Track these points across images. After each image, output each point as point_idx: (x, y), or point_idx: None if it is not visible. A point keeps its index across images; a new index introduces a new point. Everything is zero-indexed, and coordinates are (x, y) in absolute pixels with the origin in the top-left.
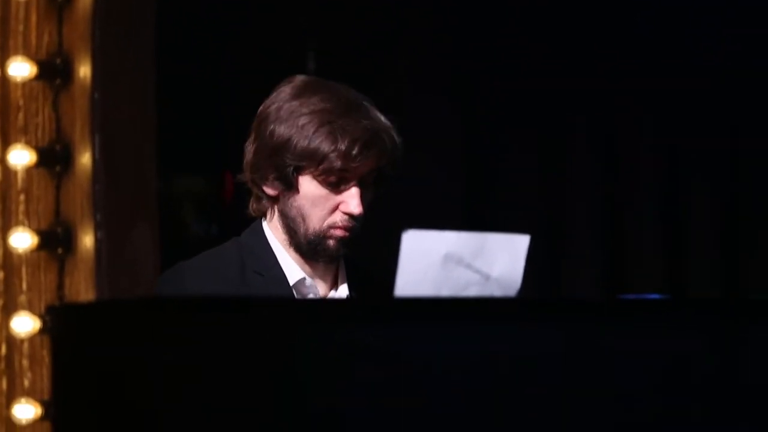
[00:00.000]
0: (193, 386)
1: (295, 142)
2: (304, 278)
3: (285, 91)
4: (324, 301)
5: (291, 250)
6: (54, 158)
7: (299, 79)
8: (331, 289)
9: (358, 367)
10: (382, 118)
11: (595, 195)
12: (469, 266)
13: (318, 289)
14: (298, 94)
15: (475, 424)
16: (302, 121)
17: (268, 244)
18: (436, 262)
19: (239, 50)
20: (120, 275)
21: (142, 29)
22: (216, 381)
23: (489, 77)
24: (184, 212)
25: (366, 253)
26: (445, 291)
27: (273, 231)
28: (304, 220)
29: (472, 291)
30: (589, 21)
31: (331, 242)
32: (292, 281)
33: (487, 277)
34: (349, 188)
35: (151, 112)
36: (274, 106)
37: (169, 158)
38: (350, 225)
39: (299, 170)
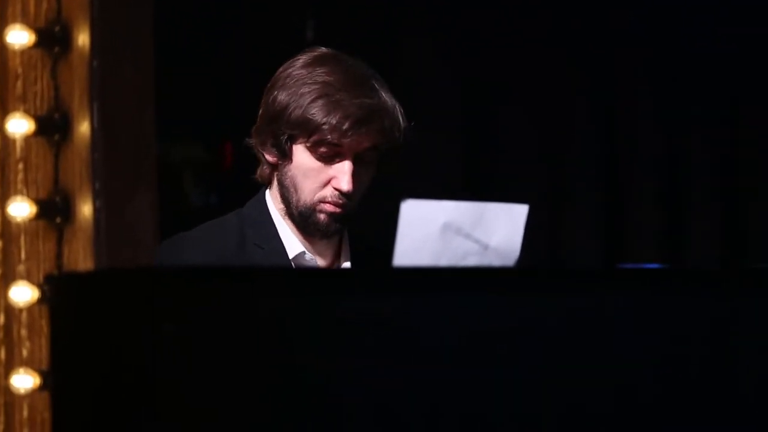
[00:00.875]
0: (192, 357)
1: (291, 110)
2: (304, 252)
3: (300, 59)
4: (321, 271)
5: (288, 220)
6: (52, 127)
7: (318, 50)
8: (332, 265)
9: (356, 338)
10: (388, 98)
11: (595, 164)
12: (467, 236)
13: (317, 263)
14: (310, 63)
15: (472, 394)
16: (303, 90)
17: (270, 215)
18: (435, 231)
19: (239, 18)
20: (119, 244)
21: None
22: (215, 352)
23: (489, 45)
24: (184, 181)
25: (367, 224)
26: (444, 260)
27: (273, 201)
28: (296, 190)
29: (471, 260)
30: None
31: (321, 216)
32: (291, 254)
33: (485, 247)
34: (342, 163)
35: (150, 80)
36: (284, 73)
37: (168, 126)
38: (341, 201)
39: (293, 139)
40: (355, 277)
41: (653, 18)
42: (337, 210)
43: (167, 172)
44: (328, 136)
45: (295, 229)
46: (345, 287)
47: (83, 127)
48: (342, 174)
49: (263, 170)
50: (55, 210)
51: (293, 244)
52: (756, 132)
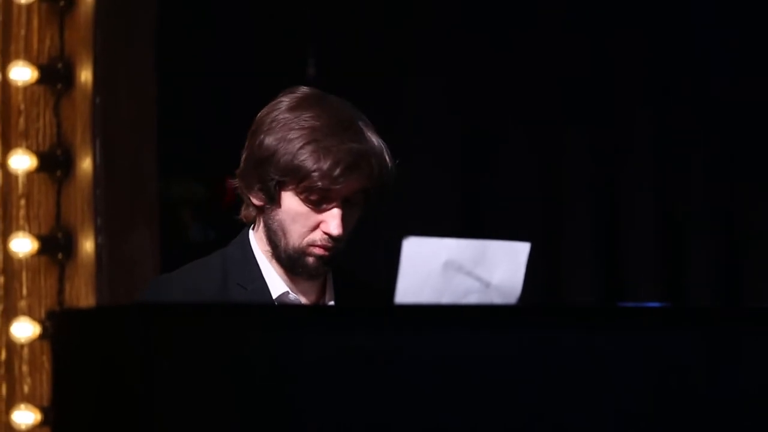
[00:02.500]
0: (192, 391)
1: (279, 156)
2: (288, 292)
3: (284, 102)
4: (323, 307)
5: (274, 262)
6: (55, 163)
7: (301, 90)
8: (317, 302)
9: (357, 373)
10: (375, 139)
11: (593, 202)
12: (469, 273)
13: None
14: (294, 107)
15: (471, 429)
16: (290, 135)
17: (253, 255)
18: (437, 269)
19: (240, 56)
20: (120, 280)
21: (142, 34)
22: (214, 386)
23: (488, 84)
24: (184, 217)
25: (366, 258)
26: (446, 298)
27: (258, 242)
28: (284, 234)
29: (473, 298)
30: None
31: (310, 260)
32: (275, 294)
33: (487, 285)
34: (331, 208)
35: (152, 117)
36: (269, 117)
37: (169, 163)
38: (330, 245)
39: (282, 185)
40: (352, 314)
41: (651, 54)
42: (326, 253)
43: (168, 208)
44: (319, 183)
45: (280, 270)
46: (342, 324)
47: (85, 164)
48: (332, 218)
49: (248, 212)
50: (56, 246)
51: (277, 284)
52: (756, 167)
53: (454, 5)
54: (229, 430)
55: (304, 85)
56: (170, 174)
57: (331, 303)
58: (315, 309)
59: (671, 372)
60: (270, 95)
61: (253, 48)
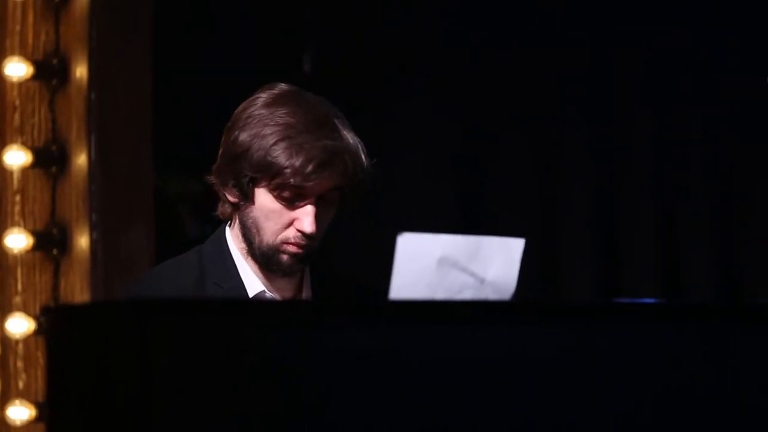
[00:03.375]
0: (187, 388)
1: (253, 152)
2: (264, 291)
3: (260, 98)
4: (320, 304)
5: (250, 259)
6: (50, 159)
7: (279, 87)
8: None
9: (351, 371)
10: (350, 137)
11: (591, 198)
12: (464, 269)
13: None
14: (270, 103)
15: (467, 427)
16: (264, 131)
17: (230, 253)
18: (431, 265)
19: (236, 52)
20: (115, 276)
21: (138, 30)
22: (209, 383)
23: (485, 79)
24: (181, 213)
25: (361, 255)
26: (440, 294)
27: (234, 239)
28: (258, 232)
29: (467, 294)
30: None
31: (283, 257)
32: (251, 293)
33: (482, 281)
34: (304, 206)
35: (148, 112)
36: (245, 113)
37: (165, 159)
38: (304, 242)
39: (255, 181)
40: (348, 309)
41: (650, 52)
42: (300, 251)
43: (164, 204)
44: (291, 180)
45: (255, 268)
46: (336, 321)
47: (80, 159)
48: (305, 216)
49: (224, 208)
50: (51, 242)
51: (253, 282)
52: (756, 164)
53: (452, 3)
54: (225, 427)
55: (301, 83)
56: (166, 170)
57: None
58: (312, 305)
59: (668, 369)
60: None
61: (250, 44)
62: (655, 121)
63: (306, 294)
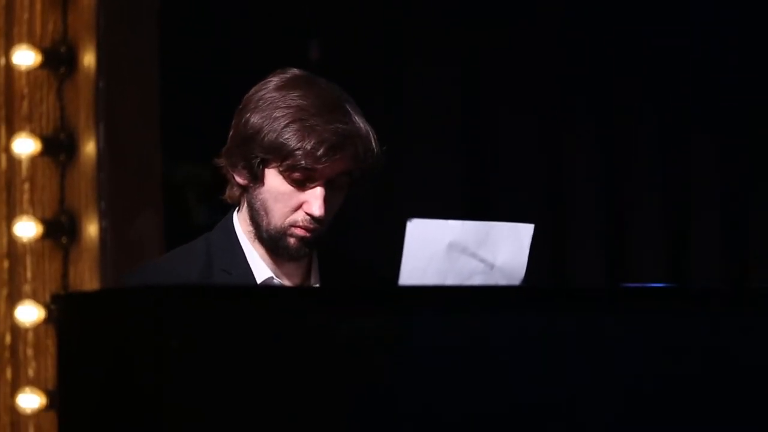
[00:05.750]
0: (198, 374)
1: (264, 134)
2: (272, 277)
3: (272, 81)
4: (330, 290)
5: (257, 244)
6: (58, 147)
7: (290, 72)
8: (302, 285)
9: (360, 356)
10: (361, 122)
11: (598, 183)
12: (473, 255)
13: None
14: (282, 87)
15: (477, 411)
16: (276, 114)
17: (237, 240)
18: (441, 250)
19: (243, 38)
20: (124, 264)
21: (146, 18)
22: (220, 369)
23: (492, 67)
24: (189, 200)
25: (370, 240)
26: (450, 280)
27: (242, 223)
28: (266, 213)
29: (477, 279)
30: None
31: (291, 240)
32: (259, 279)
33: (491, 266)
34: (314, 188)
35: (156, 100)
36: (256, 95)
37: (173, 146)
38: (312, 226)
39: (265, 163)
40: (359, 296)
41: (656, 41)
42: (307, 234)
43: (172, 192)
44: (302, 162)
45: (263, 253)
46: (349, 305)
47: (89, 147)
48: (314, 199)
49: (233, 191)
50: (61, 230)
51: (261, 269)
52: (763, 153)
53: None
54: (237, 414)
55: (307, 69)
56: (174, 157)
57: (316, 284)
58: (321, 291)
59: (676, 353)
60: None
61: (256, 32)
62: (661, 105)
63: (314, 279)
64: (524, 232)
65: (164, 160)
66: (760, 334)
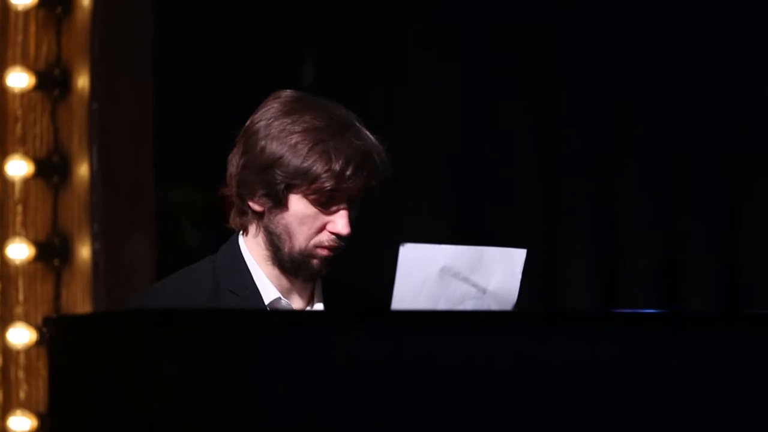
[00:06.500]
0: (189, 398)
1: (287, 160)
2: (280, 298)
3: (273, 106)
4: (321, 313)
5: (269, 266)
6: (52, 169)
7: (287, 94)
8: (306, 306)
9: (353, 380)
10: (372, 137)
11: (591, 208)
12: (466, 279)
13: (293, 308)
14: (289, 110)
15: None
16: (295, 139)
17: (244, 261)
18: (433, 275)
19: (238, 62)
20: (117, 286)
21: (140, 40)
22: (211, 392)
23: (488, 91)
24: (181, 223)
25: (363, 257)
26: (442, 304)
27: (250, 247)
28: (290, 237)
29: (469, 304)
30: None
31: (315, 261)
32: (267, 300)
33: (483, 291)
34: (339, 208)
35: (149, 123)
36: (262, 122)
37: (166, 169)
38: (336, 245)
39: (290, 188)
40: (351, 319)
41: (653, 56)
42: (331, 254)
43: (165, 215)
44: (329, 183)
45: (272, 274)
46: (341, 328)
47: (82, 170)
48: (340, 218)
49: (245, 219)
50: (53, 252)
51: (269, 289)
52: (757, 172)
53: (451, 13)
54: None
55: (303, 91)
56: (168, 180)
57: (319, 305)
58: (312, 314)
59: (669, 378)
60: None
61: (250, 54)
62: (656, 130)
63: (317, 299)
64: (517, 257)
65: (157, 183)
66: (754, 357)
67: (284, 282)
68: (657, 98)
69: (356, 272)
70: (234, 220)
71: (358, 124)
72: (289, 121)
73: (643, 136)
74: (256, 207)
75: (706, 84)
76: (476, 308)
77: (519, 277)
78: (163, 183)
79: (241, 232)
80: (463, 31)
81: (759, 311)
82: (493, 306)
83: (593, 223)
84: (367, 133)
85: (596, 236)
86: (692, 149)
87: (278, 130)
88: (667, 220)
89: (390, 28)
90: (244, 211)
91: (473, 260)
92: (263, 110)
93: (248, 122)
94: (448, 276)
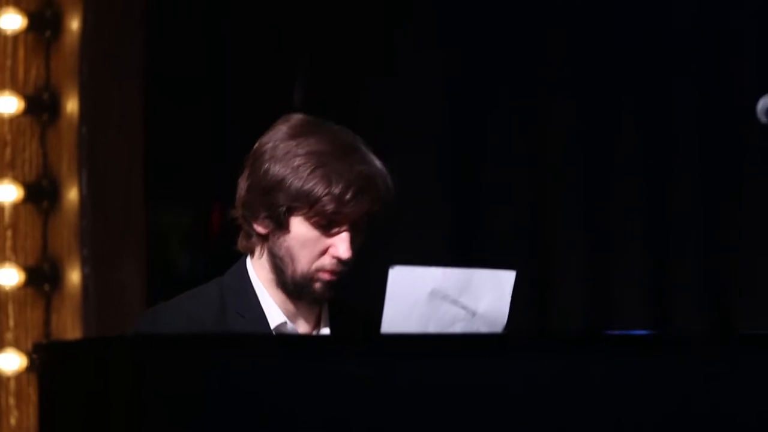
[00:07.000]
0: (179, 423)
1: (289, 182)
2: (285, 322)
3: (281, 129)
4: (312, 337)
5: (275, 289)
6: (41, 194)
7: (296, 118)
8: (313, 331)
9: (345, 403)
10: (377, 162)
11: (584, 228)
12: (455, 302)
13: (299, 332)
14: (295, 134)
15: None
16: (297, 161)
17: (251, 285)
18: (423, 298)
19: (227, 86)
20: (107, 311)
21: (129, 64)
22: (204, 416)
23: (476, 113)
24: (172, 247)
25: (352, 280)
26: (432, 327)
27: (257, 270)
28: (292, 260)
29: (459, 327)
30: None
31: (317, 285)
32: (273, 324)
33: (473, 313)
34: (340, 232)
35: (139, 146)
36: (269, 145)
37: (156, 193)
38: (338, 269)
39: (291, 211)
40: (340, 343)
41: (645, 75)
42: (334, 278)
43: (155, 239)
44: (330, 207)
45: (279, 299)
46: (332, 353)
47: (72, 194)
48: (341, 242)
49: (251, 242)
50: (43, 277)
51: (275, 313)
52: (754, 196)
53: (444, 35)
54: None
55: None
56: (157, 204)
57: (325, 330)
58: (303, 339)
59: (660, 398)
60: (257, 125)
61: (240, 78)
62: (646, 149)
63: (324, 323)
64: (506, 279)
65: (147, 208)
66: (745, 378)
67: (290, 306)
68: (649, 119)
69: (350, 292)
70: (241, 242)
71: (364, 149)
72: (294, 143)
73: (635, 155)
74: (261, 229)
75: (697, 106)
76: (466, 331)
77: (508, 299)
78: (153, 206)
79: (248, 256)
80: (462, 54)
81: (749, 331)
82: (482, 328)
83: (584, 243)
84: (373, 158)
85: (588, 257)
86: (683, 169)
87: (283, 153)
88: (658, 241)
89: (378, 46)
90: (250, 234)
91: (462, 283)
92: (271, 132)
93: (256, 144)
94: (438, 299)
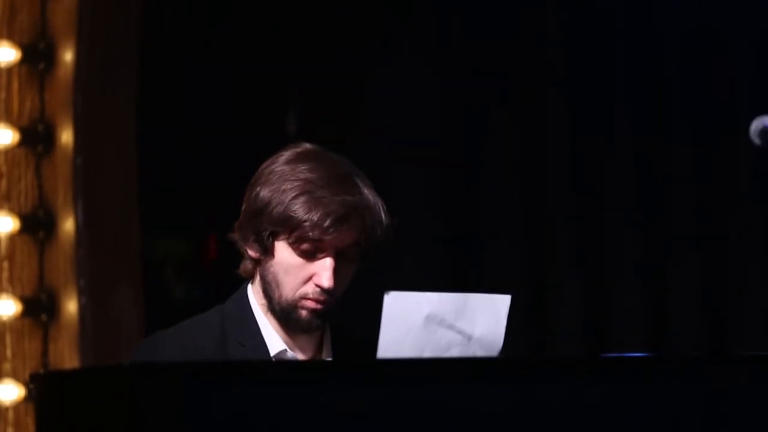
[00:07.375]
0: None
1: (273, 206)
2: (286, 350)
3: (283, 156)
4: (307, 364)
5: (270, 317)
6: (37, 224)
7: (302, 146)
8: (314, 358)
9: (342, 428)
10: (370, 195)
11: (579, 252)
12: (451, 327)
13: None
14: (292, 160)
15: None
16: (285, 186)
17: (251, 312)
18: (418, 323)
19: (221, 115)
20: (104, 340)
21: (123, 95)
22: None
23: (474, 136)
24: (168, 276)
25: (348, 315)
26: (428, 352)
27: (255, 296)
28: (278, 286)
29: (455, 351)
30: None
31: (303, 312)
32: (273, 352)
33: (469, 338)
34: (323, 260)
35: (134, 176)
36: (267, 169)
37: (151, 222)
38: (322, 298)
39: (275, 235)
40: (337, 369)
41: (639, 90)
42: (319, 306)
43: (151, 268)
44: (310, 233)
45: (277, 326)
46: (328, 379)
47: (68, 225)
48: (323, 270)
49: (246, 265)
50: (40, 308)
51: (275, 341)
52: (744, 213)
53: (440, 57)
54: None
55: (285, 142)
56: (153, 233)
57: (327, 357)
58: (297, 365)
59: (657, 421)
60: (252, 153)
61: (234, 107)
62: (642, 169)
63: (326, 353)
64: (501, 303)
65: (143, 237)
66: (742, 399)
67: (287, 333)
68: (643, 138)
69: (351, 318)
70: (241, 267)
71: (358, 180)
72: (288, 169)
73: (630, 173)
74: (252, 253)
75: (693, 127)
76: (462, 355)
77: (504, 323)
78: (148, 236)
79: (250, 281)
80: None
81: (747, 354)
82: (478, 353)
83: (580, 266)
84: (367, 190)
85: (583, 280)
86: (677, 190)
87: (276, 178)
88: (653, 263)
89: (370, 69)
90: (246, 258)
91: (458, 307)
92: (272, 158)
93: (258, 169)
94: (434, 323)
